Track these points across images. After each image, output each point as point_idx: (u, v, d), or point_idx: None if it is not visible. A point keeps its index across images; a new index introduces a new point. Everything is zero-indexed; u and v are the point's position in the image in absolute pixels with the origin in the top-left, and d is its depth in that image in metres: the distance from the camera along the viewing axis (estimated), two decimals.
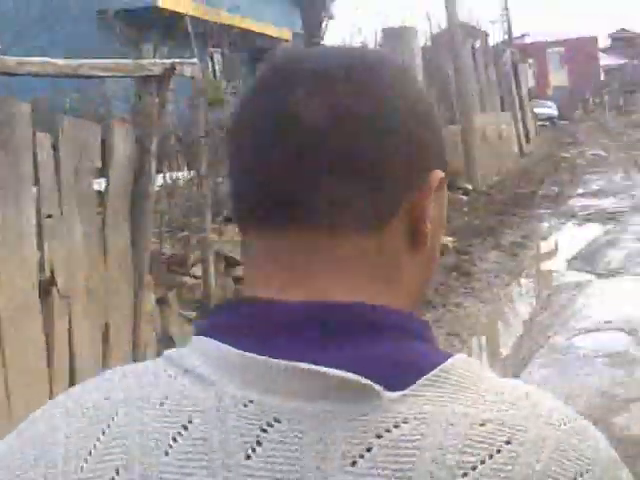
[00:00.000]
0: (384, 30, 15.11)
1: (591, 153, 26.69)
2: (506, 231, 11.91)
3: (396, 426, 0.60)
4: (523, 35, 52.36)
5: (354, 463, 0.59)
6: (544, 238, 11.82)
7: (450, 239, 10.48)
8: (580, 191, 17.15)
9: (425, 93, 0.73)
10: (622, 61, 66.79)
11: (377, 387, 0.60)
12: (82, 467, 0.63)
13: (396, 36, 14.10)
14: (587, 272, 9.26)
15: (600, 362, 6.06)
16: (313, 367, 0.60)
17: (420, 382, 0.62)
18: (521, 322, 7.56)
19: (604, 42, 70.77)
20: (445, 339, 6.70)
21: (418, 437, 0.60)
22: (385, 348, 0.63)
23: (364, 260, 0.67)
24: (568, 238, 11.61)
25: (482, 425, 0.61)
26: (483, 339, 7.38)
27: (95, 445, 0.64)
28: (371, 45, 15.61)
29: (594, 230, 12.01)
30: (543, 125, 39.08)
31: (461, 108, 16.31)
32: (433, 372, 0.62)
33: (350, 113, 0.66)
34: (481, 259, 9.94)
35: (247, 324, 0.65)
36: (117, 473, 0.62)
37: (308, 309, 0.64)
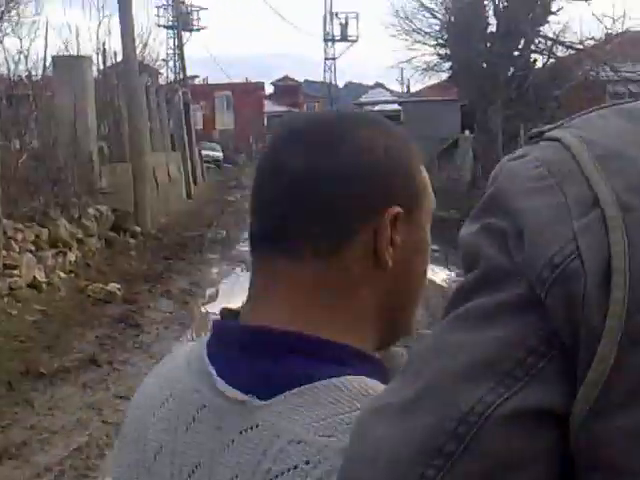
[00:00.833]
0: (55, 58, 14.24)
1: None
2: (175, 277, 11.56)
3: (250, 428, 0.78)
4: (193, 76, 53.07)
5: (226, 449, 0.80)
6: (214, 284, 11.62)
7: (117, 286, 9.91)
8: (246, 235, 17.29)
9: (393, 146, 0.86)
10: (283, 108, 70.33)
11: (245, 397, 0.79)
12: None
13: (68, 65, 13.34)
14: None
15: None
16: (218, 380, 0.82)
17: (279, 397, 0.77)
18: None
19: (269, 89, 74.16)
20: (111, 402, 6.14)
21: (257, 442, 0.77)
22: (279, 367, 0.78)
23: (316, 284, 0.81)
24: (238, 285, 11.53)
25: (298, 443, 0.74)
26: None
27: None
28: (39, 72, 14.61)
29: None
30: (209, 167, 39.74)
31: (133, 146, 15.77)
32: (293, 390, 0.77)
33: (315, 167, 0.82)
34: (150, 308, 9.48)
35: (216, 339, 0.86)
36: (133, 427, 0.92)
37: (241, 332, 0.83)
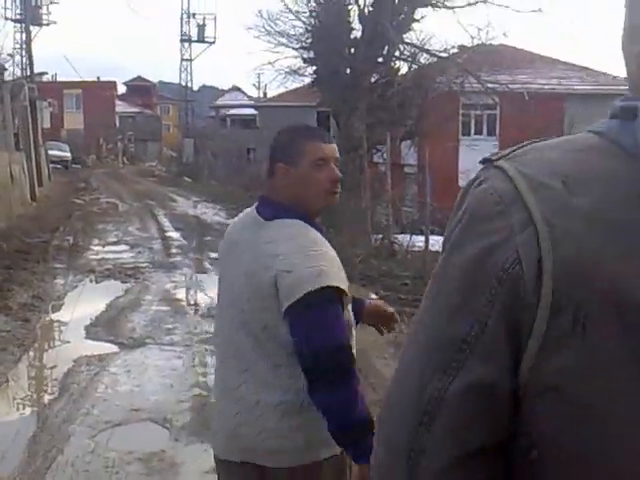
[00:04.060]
0: None
1: (106, 200, 26.14)
2: (15, 289, 10.42)
3: (263, 229, 2.48)
4: (42, 73, 50.60)
5: (252, 234, 2.51)
6: (59, 298, 10.56)
7: None
8: (96, 242, 16.26)
9: (293, 137, 2.56)
10: (136, 109, 68.40)
11: (262, 220, 2.50)
12: None
13: None
14: (109, 342, 8.26)
15: (135, 470, 5.04)
16: (256, 213, 2.56)
17: (274, 222, 2.47)
18: (35, 415, 6.20)
19: (121, 89, 71.93)
20: None
21: (263, 234, 2.46)
22: (274, 212, 2.49)
23: (274, 186, 2.53)
24: (86, 298, 10.54)
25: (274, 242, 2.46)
26: None
27: None
28: None
29: (114, 289, 11.13)
30: (56, 168, 37.93)
31: None
32: (277, 220, 2.48)
33: (273, 145, 2.63)
34: None
35: (258, 203, 2.59)
36: None
37: (267, 199, 2.55)
